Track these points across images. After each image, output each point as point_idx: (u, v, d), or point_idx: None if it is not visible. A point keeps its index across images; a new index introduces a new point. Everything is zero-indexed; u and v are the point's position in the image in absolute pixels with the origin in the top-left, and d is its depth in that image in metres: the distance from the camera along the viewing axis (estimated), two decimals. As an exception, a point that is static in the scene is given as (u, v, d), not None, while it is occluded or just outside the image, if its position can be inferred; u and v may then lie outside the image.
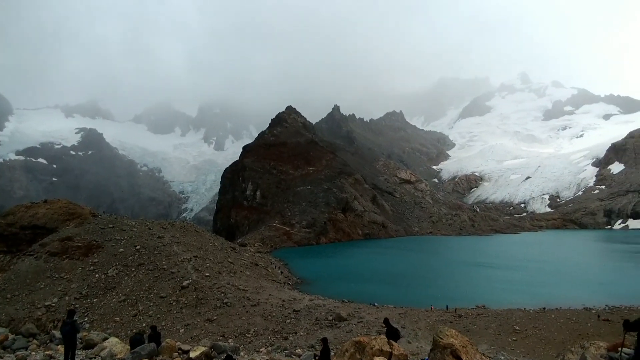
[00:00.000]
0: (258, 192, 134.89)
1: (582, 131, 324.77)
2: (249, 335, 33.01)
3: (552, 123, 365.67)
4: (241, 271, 53.85)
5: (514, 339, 32.15)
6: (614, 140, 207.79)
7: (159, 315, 36.53)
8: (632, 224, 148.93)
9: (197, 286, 41.50)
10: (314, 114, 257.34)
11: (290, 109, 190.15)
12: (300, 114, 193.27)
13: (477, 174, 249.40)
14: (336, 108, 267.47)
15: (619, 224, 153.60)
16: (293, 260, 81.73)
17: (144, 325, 33.28)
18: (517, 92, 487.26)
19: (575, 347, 14.22)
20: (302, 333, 33.66)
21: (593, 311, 40.32)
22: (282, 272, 66.20)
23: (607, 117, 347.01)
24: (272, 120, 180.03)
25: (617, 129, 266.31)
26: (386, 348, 13.66)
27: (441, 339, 12.83)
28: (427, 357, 13.65)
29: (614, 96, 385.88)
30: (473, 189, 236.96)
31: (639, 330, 8.71)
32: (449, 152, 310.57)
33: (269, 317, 36.91)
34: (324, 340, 16.31)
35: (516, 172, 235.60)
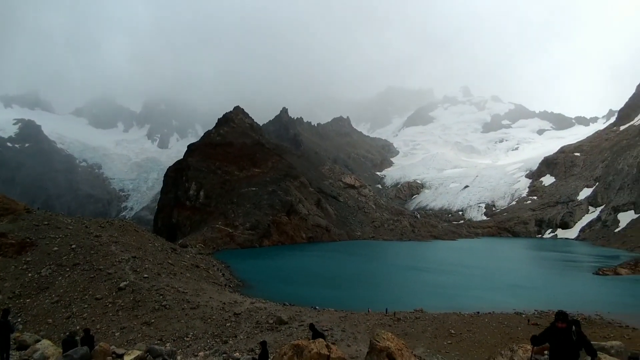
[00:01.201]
0: (202, 192, 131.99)
1: (517, 144, 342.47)
2: (188, 339, 32.27)
3: (490, 135, 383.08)
4: (181, 273, 52.55)
5: (449, 342, 33.22)
6: (546, 154, 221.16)
7: (93, 318, 35.00)
8: (560, 233, 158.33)
9: (134, 288, 40.14)
10: (261, 115, 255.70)
11: (237, 109, 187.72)
12: (247, 114, 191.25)
13: (418, 181, 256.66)
14: (284, 110, 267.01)
15: (549, 233, 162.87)
16: (235, 263, 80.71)
17: (77, 327, 31.71)
18: (459, 104, 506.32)
19: (505, 350, 14.96)
20: (242, 337, 33.32)
21: (523, 315, 42.41)
22: (223, 275, 65.15)
23: (540, 132, 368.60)
24: (218, 119, 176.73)
25: (550, 144, 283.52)
26: (324, 351, 13.74)
27: (378, 342, 13.15)
28: None
29: (548, 113, 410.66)
30: (414, 196, 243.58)
31: (544, 343, 9.31)
32: (393, 159, 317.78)
33: (209, 320, 36.28)
34: (263, 344, 16.35)
35: (455, 181, 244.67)
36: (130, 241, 55.20)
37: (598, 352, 13.77)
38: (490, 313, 43.88)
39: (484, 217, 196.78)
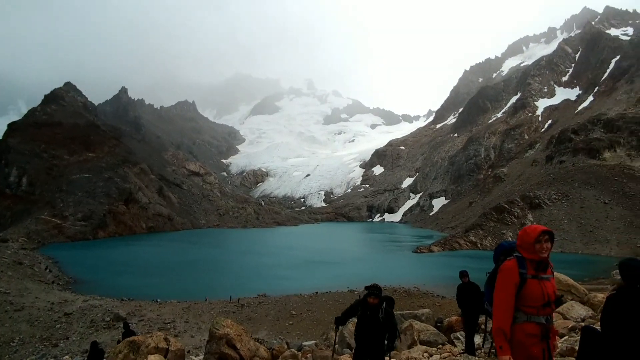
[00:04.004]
0: (24, 179, 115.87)
1: (353, 137, 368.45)
2: (14, 345, 29.23)
3: (330, 127, 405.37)
4: (1, 271, 46.64)
5: (290, 323, 35.50)
6: (378, 147, 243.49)
7: None
8: (387, 217, 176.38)
9: (-56, 292, 34.71)
10: (97, 94, 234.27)
11: (69, 86, 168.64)
12: (81, 92, 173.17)
13: (263, 169, 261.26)
14: (124, 90, 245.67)
15: (378, 217, 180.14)
16: (65, 257, 73.45)
17: None
18: (304, 96, 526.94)
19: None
20: (74, 338, 31.28)
21: (355, 292, 46.45)
22: (51, 271, 59.22)
23: (373, 126, 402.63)
24: (45, 96, 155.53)
25: (381, 137, 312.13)
26: (162, 345, 13.78)
27: (217, 329, 13.39)
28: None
29: (380, 109, 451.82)
30: (259, 184, 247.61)
31: (344, 323, 8.70)
32: (239, 147, 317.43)
33: (36, 322, 33.25)
34: (93, 344, 15.66)
35: (298, 170, 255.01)
36: None
37: (412, 320, 16.14)
38: (327, 292, 46.76)
39: (323, 204, 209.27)
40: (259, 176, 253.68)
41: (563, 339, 9.59)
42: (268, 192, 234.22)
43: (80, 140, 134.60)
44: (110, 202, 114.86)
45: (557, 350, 7.76)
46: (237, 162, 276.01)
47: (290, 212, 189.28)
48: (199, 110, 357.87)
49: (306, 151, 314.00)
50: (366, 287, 7.83)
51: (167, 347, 13.80)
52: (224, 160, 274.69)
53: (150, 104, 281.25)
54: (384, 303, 7.74)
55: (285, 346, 18.80)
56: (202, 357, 13.93)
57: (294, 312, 38.30)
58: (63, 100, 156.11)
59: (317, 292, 47.00)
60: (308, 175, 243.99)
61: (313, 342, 23.18)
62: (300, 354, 15.26)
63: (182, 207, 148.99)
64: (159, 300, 44.64)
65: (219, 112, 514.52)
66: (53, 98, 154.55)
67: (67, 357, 25.64)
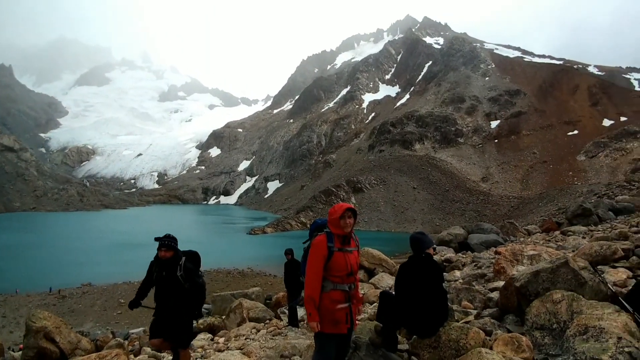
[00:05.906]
0: None
1: (190, 116, 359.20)
2: None
3: (166, 105, 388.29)
4: None
5: (119, 312, 34.94)
6: (215, 128, 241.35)
7: None
8: (223, 199, 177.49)
9: None
10: None
11: None
12: None
13: (89, 146, 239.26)
14: None
15: (213, 200, 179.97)
16: None
17: None
18: (138, 69, 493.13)
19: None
20: None
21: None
22: None
23: (211, 107, 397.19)
24: None
25: (219, 119, 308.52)
26: None
27: (34, 322, 12.86)
28: None
29: (219, 90, 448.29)
30: (84, 162, 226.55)
31: (142, 300, 6.97)
32: (60, 120, 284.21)
33: None
34: None
35: (129, 148, 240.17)
36: None
37: (242, 299, 16.72)
38: (158, 277, 46.77)
39: (156, 186, 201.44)
40: (84, 154, 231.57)
41: (373, 305, 11.08)
42: (94, 172, 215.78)
43: None
44: None
45: (366, 315, 9.19)
46: (58, 137, 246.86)
47: (119, 194, 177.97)
48: (16, 75, 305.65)
49: (138, 129, 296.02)
50: (156, 239, 6.51)
51: (-21, 343, 13.48)
52: (42, 135, 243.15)
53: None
54: (183, 259, 6.50)
55: (111, 336, 19.26)
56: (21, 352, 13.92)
57: (122, 301, 37.51)
58: None
59: (147, 278, 46.21)
60: (140, 154, 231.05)
61: (142, 329, 23.95)
62: (127, 343, 16.14)
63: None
64: (-38, 295, 39.91)
65: (38, 79, 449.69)
66: None
67: None
